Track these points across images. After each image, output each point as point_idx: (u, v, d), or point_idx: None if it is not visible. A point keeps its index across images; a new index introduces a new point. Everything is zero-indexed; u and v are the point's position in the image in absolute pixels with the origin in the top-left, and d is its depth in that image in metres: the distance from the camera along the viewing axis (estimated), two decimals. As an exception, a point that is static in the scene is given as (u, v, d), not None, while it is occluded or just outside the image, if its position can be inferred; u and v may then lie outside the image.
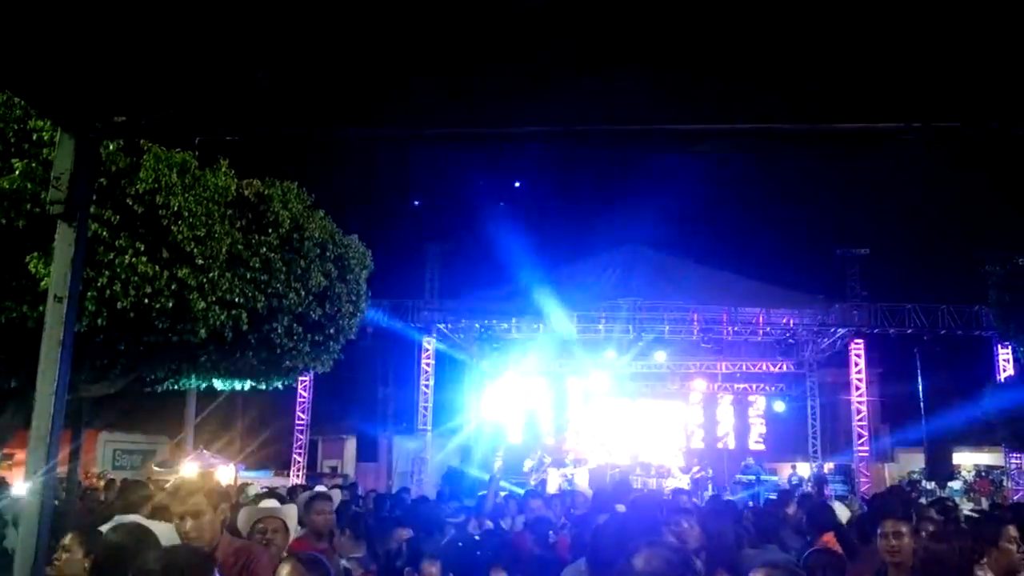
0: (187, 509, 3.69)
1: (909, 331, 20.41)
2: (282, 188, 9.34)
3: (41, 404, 2.45)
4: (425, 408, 21.72)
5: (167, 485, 8.36)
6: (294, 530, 4.84)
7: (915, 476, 22.99)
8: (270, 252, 8.78)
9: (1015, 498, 19.02)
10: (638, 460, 22.86)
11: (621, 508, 6.61)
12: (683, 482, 20.02)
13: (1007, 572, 4.40)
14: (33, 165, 7.06)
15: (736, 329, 22.83)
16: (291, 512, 4.91)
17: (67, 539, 3.74)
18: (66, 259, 2.42)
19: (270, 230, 8.92)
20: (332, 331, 10.50)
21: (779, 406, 25.46)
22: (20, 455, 20.19)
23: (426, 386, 21.78)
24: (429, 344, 21.80)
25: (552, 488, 20.95)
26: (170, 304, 7.80)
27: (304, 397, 21.09)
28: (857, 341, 21.10)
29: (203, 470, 19.58)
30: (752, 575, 2.61)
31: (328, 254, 9.89)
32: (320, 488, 8.29)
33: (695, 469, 22.22)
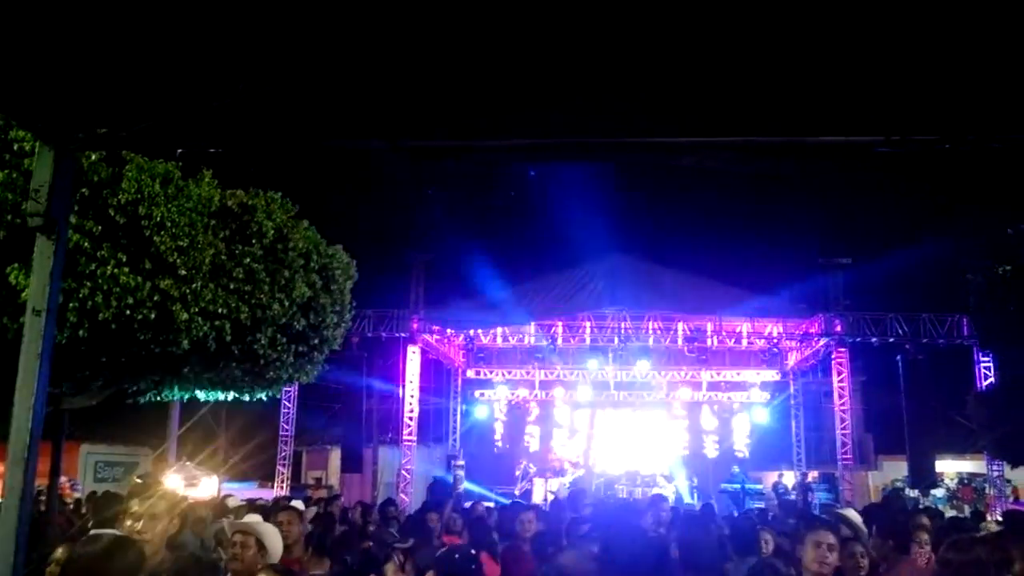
0: (143, 510, 3.65)
1: (891, 340, 20.56)
2: (266, 198, 9.31)
3: (19, 418, 2.43)
4: (410, 418, 21.64)
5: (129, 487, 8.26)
6: (273, 547, 4.69)
7: (898, 484, 23.10)
8: (254, 263, 8.74)
9: (997, 505, 19.16)
10: (624, 469, 22.88)
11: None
12: (668, 491, 20.03)
13: None
14: (14, 176, 7.01)
15: (720, 338, 22.96)
16: (268, 530, 4.78)
17: (59, 552, 3.69)
18: (45, 272, 2.40)
19: (254, 240, 8.87)
20: (316, 342, 10.45)
21: (763, 415, 25.56)
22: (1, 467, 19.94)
23: (411, 396, 21.71)
24: (414, 354, 21.75)
25: (538, 498, 20.95)
26: (152, 315, 7.75)
27: (288, 408, 20.98)
28: (840, 350, 21.21)
29: (164, 483, 19.42)
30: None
31: (312, 264, 9.85)
32: (295, 502, 8.24)
33: (690, 478, 22.25)
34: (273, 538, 4.65)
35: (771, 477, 24.30)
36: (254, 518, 4.98)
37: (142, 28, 2.35)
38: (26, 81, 2.31)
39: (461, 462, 23.42)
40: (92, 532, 3.21)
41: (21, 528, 2.40)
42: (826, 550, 4.31)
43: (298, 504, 7.76)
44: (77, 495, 16.89)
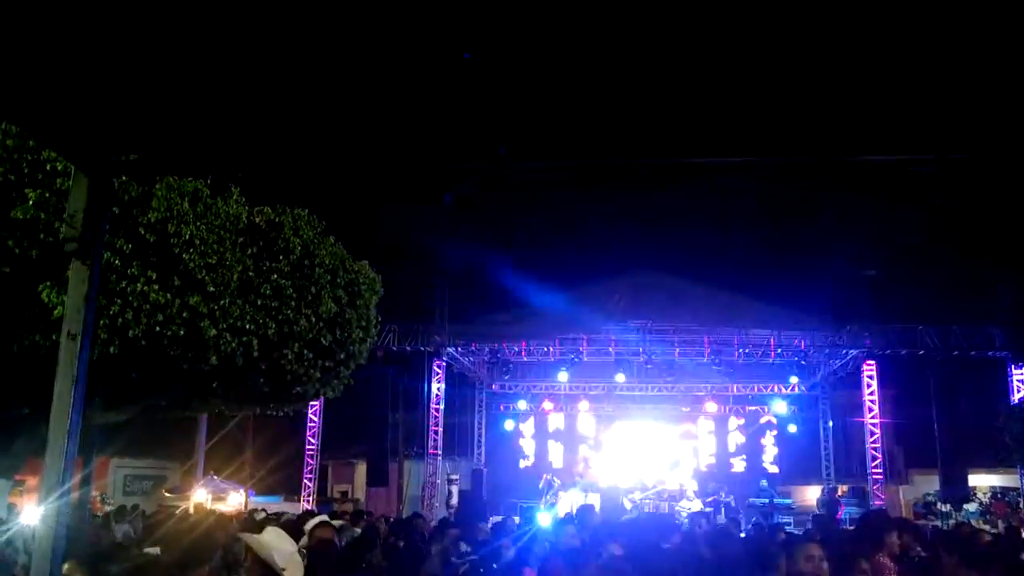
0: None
1: (921, 352, 20.28)
2: (293, 215, 9.39)
3: (55, 440, 2.46)
4: (436, 432, 21.66)
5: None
6: (286, 566, 4.48)
7: (930, 498, 22.74)
8: (281, 279, 8.81)
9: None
10: (649, 484, 22.71)
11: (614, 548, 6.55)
12: (695, 506, 19.85)
13: None
14: (46, 195, 7.13)
15: (747, 351, 22.75)
16: (278, 549, 4.58)
17: (66, 567, 3.70)
18: (80, 296, 2.44)
19: (281, 257, 8.96)
20: (342, 357, 10.51)
21: (791, 428, 25.29)
22: (31, 481, 20.20)
23: (436, 410, 21.73)
24: (439, 368, 21.79)
25: (563, 512, 20.84)
26: (182, 331, 7.83)
27: (314, 422, 21.08)
28: (869, 362, 20.97)
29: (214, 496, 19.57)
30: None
31: (339, 280, 9.92)
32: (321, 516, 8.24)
33: (716, 492, 22.03)
34: (284, 558, 4.48)
35: (800, 491, 24.02)
36: (272, 534, 4.81)
37: (176, 54, 2.39)
38: (61, 107, 2.36)
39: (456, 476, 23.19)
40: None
41: (57, 549, 2.43)
42: (818, 561, 4.46)
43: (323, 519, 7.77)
44: (108, 508, 17.06)
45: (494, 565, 6.05)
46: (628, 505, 20.35)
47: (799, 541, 4.83)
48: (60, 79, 2.32)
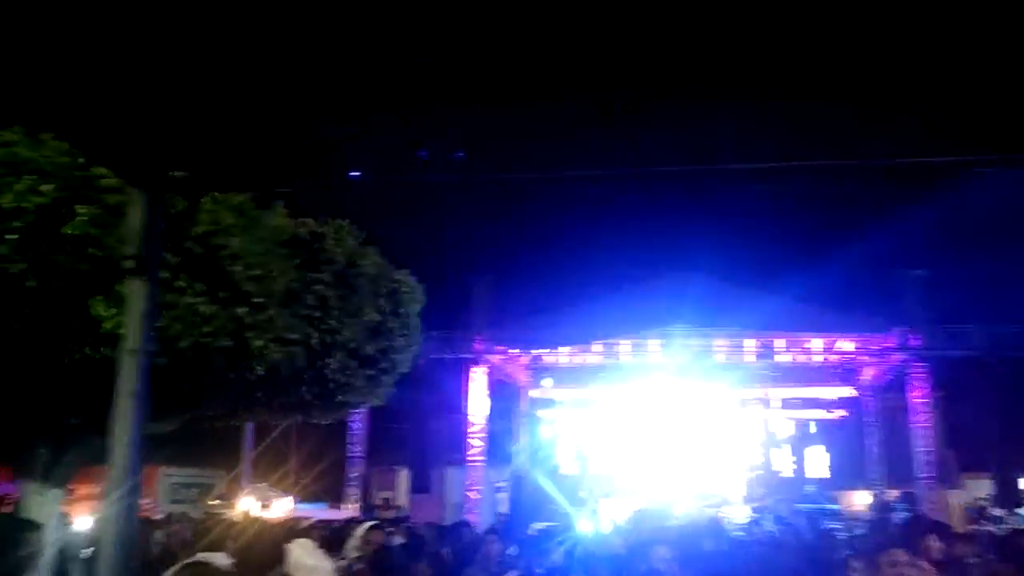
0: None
1: (973, 353, 19.83)
2: (335, 226, 9.46)
3: (118, 454, 2.50)
4: (477, 439, 21.68)
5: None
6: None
7: (982, 502, 22.21)
8: (325, 289, 8.88)
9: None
10: (693, 489, 22.48)
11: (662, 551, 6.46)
12: (740, 512, 19.60)
13: None
14: (97, 211, 7.25)
15: (792, 354, 22.44)
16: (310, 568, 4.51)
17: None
18: (138, 313, 2.49)
19: (324, 268, 9.02)
20: (385, 365, 10.55)
21: (839, 433, 24.87)
22: (82, 490, 20.61)
23: (477, 417, 21.76)
24: (478, 375, 21.80)
25: (605, 518, 20.69)
26: (228, 343, 7.92)
27: (357, 430, 21.24)
28: (918, 364, 20.54)
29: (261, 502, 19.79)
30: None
31: (381, 289, 9.96)
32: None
33: (762, 498, 21.73)
34: (304, 572, 4.40)
35: (847, 496, 23.59)
36: (299, 548, 4.65)
37: (226, 74, 2.43)
38: (116, 127, 2.40)
39: (504, 482, 23.16)
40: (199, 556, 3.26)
41: (121, 560, 2.46)
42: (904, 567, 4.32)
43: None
44: (158, 517, 17.34)
45: (539, 572, 6.03)
46: (673, 511, 20.14)
47: (873, 548, 4.68)
48: (116, 99, 2.36)
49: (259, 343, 8.12)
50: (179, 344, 7.64)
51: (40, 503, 8.90)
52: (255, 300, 8.04)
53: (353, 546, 7.26)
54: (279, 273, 8.27)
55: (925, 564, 4.40)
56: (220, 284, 7.85)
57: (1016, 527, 17.67)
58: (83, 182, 7.47)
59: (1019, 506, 20.42)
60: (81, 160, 7.50)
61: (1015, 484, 20.16)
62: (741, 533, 9.66)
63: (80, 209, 7.22)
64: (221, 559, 3.62)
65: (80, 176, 7.48)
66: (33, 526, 5.91)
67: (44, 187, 7.27)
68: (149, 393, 2.47)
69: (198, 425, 11.48)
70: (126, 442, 2.47)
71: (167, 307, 7.61)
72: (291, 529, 10.86)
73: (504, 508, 21.29)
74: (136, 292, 2.46)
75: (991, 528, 18.15)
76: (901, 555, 4.39)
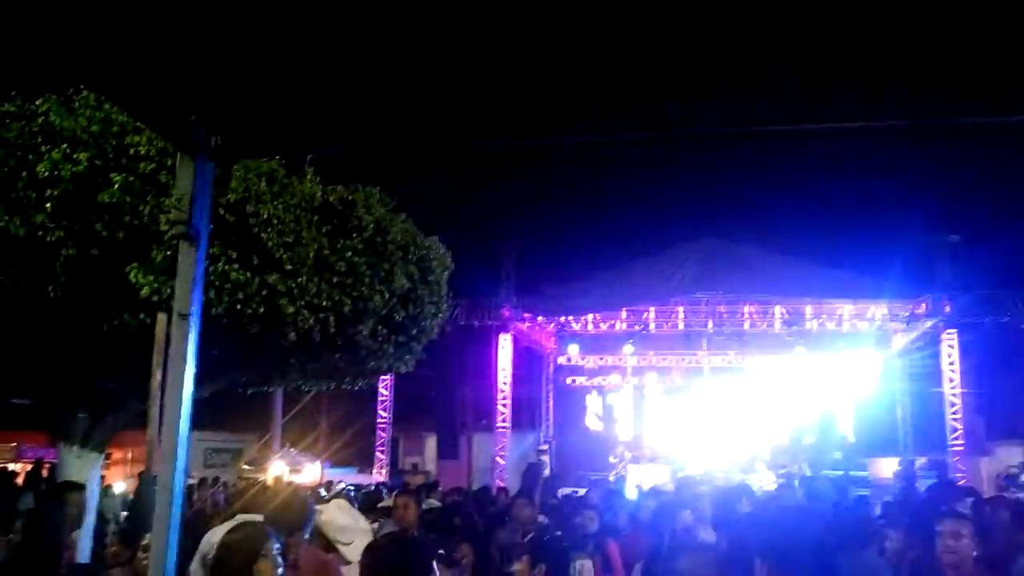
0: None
1: (1005, 319, 19.56)
2: (365, 193, 9.49)
3: (170, 416, 2.55)
4: (504, 405, 21.83)
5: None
6: (349, 537, 4.45)
7: (1013, 470, 22.03)
8: (355, 256, 8.92)
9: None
10: (720, 456, 22.52)
11: (687, 515, 6.51)
12: (767, 478, 19.61)
13: None
14: (131, 179, 7.33)
15: (821, 321, 22.28)
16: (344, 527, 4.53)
17: (146, 539, 3.82)
18: (188, 278, 2.52)
19: (354, 235, 9.06)
20: (415, 332, 10.62)
21: (867, 399, 24.73)
22: (117, 455, 21.08)
23: (504, 383, 21.88)
24: (506, 342, 21.89)
25: (631, 485, 20.82)
26: (261, 309, 8.00)
27: (385, 395, 21.45)
28: (949, 331, 20.31)
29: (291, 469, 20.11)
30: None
31: (410, 256, 10.00)
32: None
33: (789, 464, 21.72)
34: (346, 533, 4.45)
35: (876, 464, 23.51)
36: (336, 508, 4.70)
37: (272, 37, 2.42)
38: (168, 96, 2.41)
39: (544, 446, 23.60)
40: (239, 518, 3.35)
41: (173, 520, 2.52)
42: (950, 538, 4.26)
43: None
44: (191, 481, 17.70)
45: (575, 537, 6.11)
46: (701, 477, 20.20)
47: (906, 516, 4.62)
48: (164, 62, 2.38)
49: (291, 310, 8.20)
50: (213, 311, 7.74)
51: (79, 467, 9.11)
52: (287, 267, 8.11)
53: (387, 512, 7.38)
54: (310, 240, 8.32)
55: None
56: (252, 251, 7.92)
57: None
58: (117, 150, 7.55)
59: (1051, 473, 20.25)
60: (115, 128, 7.57)
61: (1047, 451, 19.99)
62: (767, 497, 9.65)
63: (115, 177, 7.30)
64: (260, 519, 3.71)
65: (114, 144, 7.55)
66: (79, 487, 6.07)
67: (79, 155, 7.36)
68: (199, 358, 2.52)
69: (231, 391, 11.66)
70: (178, 404, 2.52)
71: (200, 274, 7.69)
72: (326, 490, 11.07)
73: (547, 472, 21.48)
74: (186, 257, 2.49)
75: (1021, 495, 18.04)
76: (956, 525, 4.31)
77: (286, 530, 3.74)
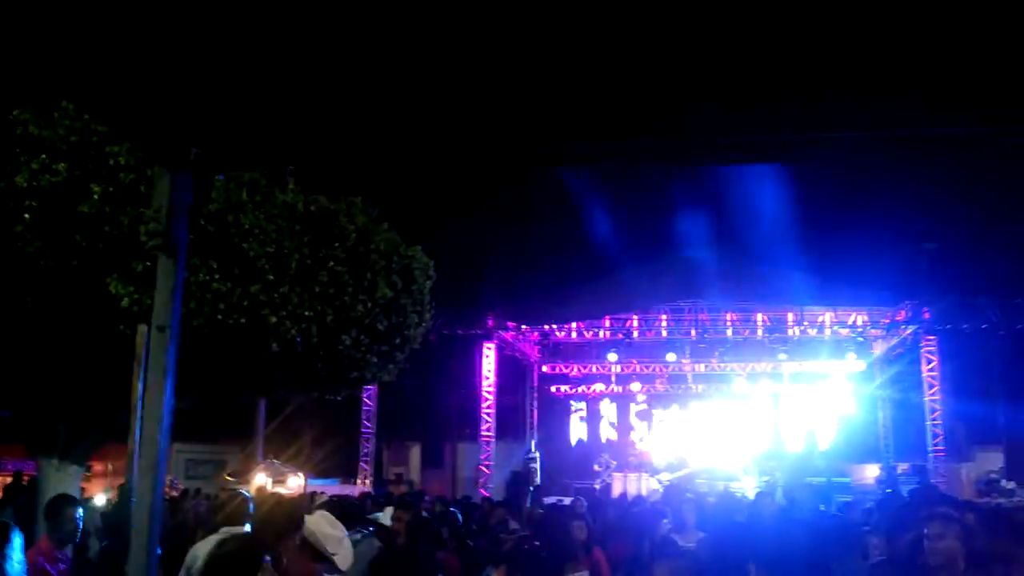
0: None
1: (984, 326, 19.77)
2: (346, 202, 9.47)
3: (148, 429, 2.54)
4: (488, 414, 21.81)
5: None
6: (335, 547, 4.43)
7: (994, 475, 22.24)
8: (337, 265, 8.91)
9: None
10: (703, 464, 22.59)
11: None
12: (750, 485, 19.68)
13: None
14: (110, 189, 7.29)
15: (802, 328, 22.43)
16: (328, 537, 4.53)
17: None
18: (167, 290, 2.51)
19: (336, 244, 9.04)
20: (398, 341, 10.60)
21: (848, 407, 24.89)
22: (98, 467, 20.86)
23: (488, 393, 21.86)
24: (489, 351, 21.89)
25: (616, 493, 20.86)
26: (243, 320, 7.97)
27: (369, 405, 21.38)
28: (929, 337, 20.52)
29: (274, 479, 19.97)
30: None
31: (393, 266, 9.99)
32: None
33: (772, 472, 21.82)
34: (333, 543, 4.43)
35: (858, 470, 23.65)
36: (322, 518, 4.68)
37: (250, 50, 2.42)
38: (145, 108, 2.40)
39: (535, 453, 23.62)
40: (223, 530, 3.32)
41: (152, 531, 2.51)
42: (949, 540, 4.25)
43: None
44: (174, 494, 17.58)
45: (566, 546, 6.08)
46: (685, 483, 20.26)
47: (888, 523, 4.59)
48: (140, 76, 2.37)
49: (273, 320, 8.17)
50: (194, 322, 7.70)
51: (59, 480, 9.02)
52: (269, 277, 8.08)
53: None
54: (292, 250, 8.30)
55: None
56: (234, 261, 7.89)
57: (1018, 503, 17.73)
58: (96, 160, 7.50)
59: (1030, 478, 20.45)
60: (94, 139, 7.53)
61: (1027, 457, 20.18)
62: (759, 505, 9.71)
63: (95, 187, 7.26)
64: (245, 531, 3.69)
65: (94, 154, 7.51)
66: (75, 501, 6.02)
67: (58, 165, 7.31)
68: (177, 369, 2.50)
69: (213, 402, 11.58)
70: (157, 417, 2.51)
71: (182, 285, 7.65)
72: (309, 502, 11.00)
73: (538, 479, 21.56)
74: (165, 269, 2.48)
75: (1001, 501, 18.21)
76: (950, 528, 4.26)
77: (277, 535, 3.71)
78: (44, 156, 7.31)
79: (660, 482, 19.85)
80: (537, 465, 23.45)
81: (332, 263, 8.86)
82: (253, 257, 7.89)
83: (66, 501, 5.87)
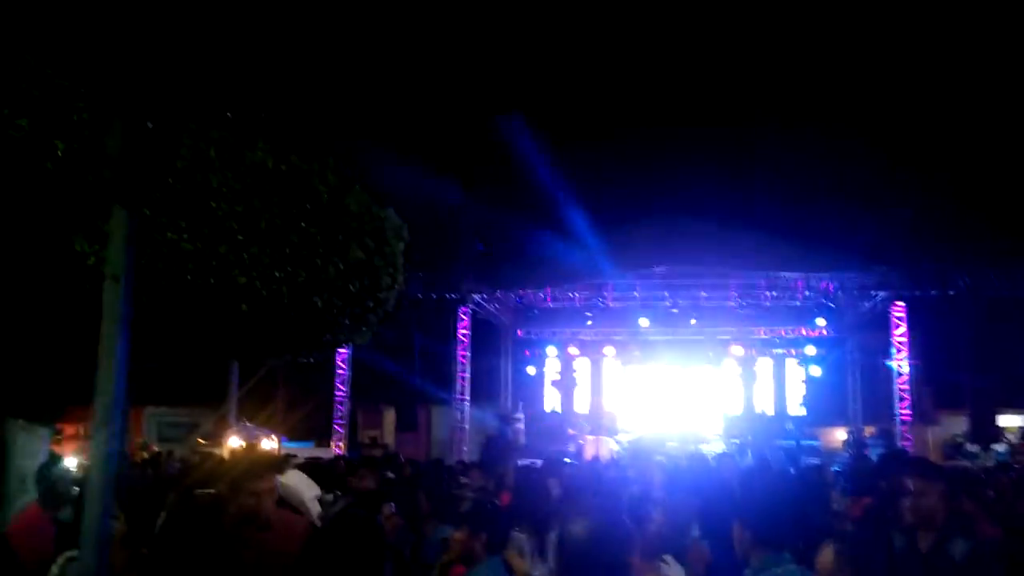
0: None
1: (952, 292, 20.05)
2: (319, 162, 9.34)
3: (104, 382, 2.49)
4: (463, 378, 21.87)
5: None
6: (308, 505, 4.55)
7: (959, 439, 22.72)
8: (309, 226, 8.80)
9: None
10: (675, 427, 22.87)
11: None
12: (720, 448, 19.96)
13: None
14: (75, 146, 7.12)
15: (774, 294, 22.63)
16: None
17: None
18: (121, 238, 2.45)
19: (308, 204, 8.93)
20: (371, 304, 10.52)
21: (818, 371, 25.26)
22: (69, 431, 20.72)
23: (463, 356, 21.91)
24: (465, 315, 21.90)
25: (588, 456, 21.07)
26: (212, 280, 7.87)
27: (343, 369, 21.34)
28: (899, 303, 20.79)
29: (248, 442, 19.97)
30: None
31: (366, 227, 9.89)
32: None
33: (743, 435, 22.15)
34: (308, 501, 4.55)
35: (827, 433, 24.07)
36: (296, 477, 4.80)
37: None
38: (96, 50, 2.32)
39: (520, 415, 23.79)
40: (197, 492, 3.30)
41: (107, 490, 2.48)
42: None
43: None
44: (146, 455, 17.54)
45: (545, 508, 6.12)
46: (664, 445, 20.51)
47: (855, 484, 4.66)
48: (95, 18, 2.29)
49: (244, 281, 8.08)
50: (162, 282, 7.59)
51: (28, 442, 8.92)
52: (238, 237, 7.97)
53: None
54: (262, 209, 8.18)
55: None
56: (203, 221, 7.76)
57: (989, 464, 18.15)
58: (59, 117, 7.32)
59: (994, 442, 20.91)
60: (59, 95, 7.33)
61: (991, 421, 20.61)
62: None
63: (59, 144, 7.09)
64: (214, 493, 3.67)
65: (57, 112, 7.32)
66: (60, 459, 5.97)
67: (20, 121, 7.12)
68: (132, 320, 2.45)
69: (184, 364, 11.49)
70: (112, 371, 2.46)
71: (149, 244, 7.54)
72: (283, 461, 11.00)
73: (522, 440, 21.72)
74: (119, 218, 2.42)
75: (966, 464, 18.62)
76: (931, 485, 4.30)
77: (258, 474, 3.66)
78: (5, 110, 7.13)
79: (619, 442, 20.06)
80: (522, 426, 23.65)
81: (303, 224, 8.75)
82: (222, 217, 7.77)
83: (52, 461, 5.83)
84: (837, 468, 13.59)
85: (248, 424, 21.39)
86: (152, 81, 2.57)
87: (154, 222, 7.43)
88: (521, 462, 16.25)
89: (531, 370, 26.42)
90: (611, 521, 2.53)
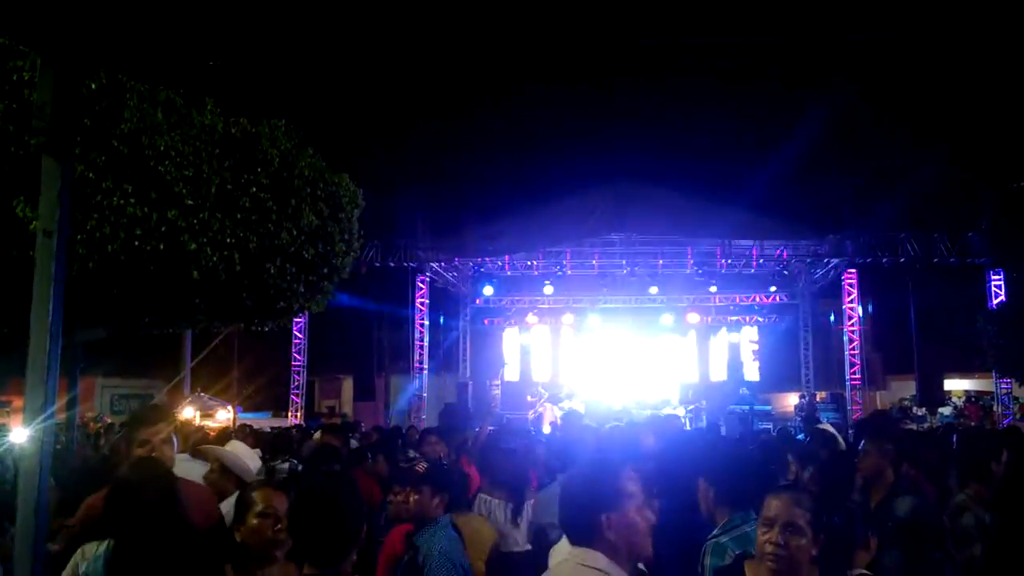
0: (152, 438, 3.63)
1: (902, 260, 20.45)
2: (270, 126, 9.15)
3: (36, 342, 2.40)
4: (421, 347, 21.81)
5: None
6: (250, 477, 4.55)
7: (906, 403, 23.32)
8: (260, 191, 8.65)
9: (1004, 423, 19.33)
10: (633, 393, 23.11)
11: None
12: (678, 414, 20.24)
13: None
14: (14, 106, 6.89)
15: (730, 262, 22.87)
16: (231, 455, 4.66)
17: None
18: (53, 192, 2.34)
19: (259, 169, 8.76)
20: (326, 271, 10.42)
21: (772, 338, 25.69)
22: (18, 402, 20.29)
23: (421, 325, 21.82)
24: (423, 283, 21.79)
25: (547, 423, 21.22)
26: (161, 246, 7.71)
27: (300, 338, 21.14)
28: (850, 271, 21.17)
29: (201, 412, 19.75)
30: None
31: (319, 192, 9.75)
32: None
33: (698, 400, 22.47)
34: (248, 473, 4.53)
35: (779, 399, 24.54)
36: (238, 447, 4.77)
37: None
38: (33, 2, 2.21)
39: (497, 381, 23.92)
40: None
41: (44, 457, 2.39)
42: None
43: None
44: (99, 427, 17.22)
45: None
46: (610, 411, 20.71)
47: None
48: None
49: (193, 247, 7.93)
50: (109, 247, 7.42)
51: (-28, 412, 8.70)
52: (187, 202, 7.80)
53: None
54: (211, 174, 8.02)
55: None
56: (150, 185, 7.58)
57: (936, 425, 18.68)
58: (-2, 75, 7.06)
59: (941, 405, 21.49)
60: (-6, 52, 7.07)
61: (938, 385, 21.15)
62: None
63: (-4, 104, 6.86)
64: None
65: (-7, 69, 7.06)
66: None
67: (-46, 80, 6.87)
68: (66, 277, 2.35)
69: (135, 334, 11.26)
70: (46, 331, 2.37)
71: (95, 209, 7.34)
72: (229, 433, 10.87)
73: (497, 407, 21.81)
74: (50, 171, 2.31)
75: (913, 426, 19.13)
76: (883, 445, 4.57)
77: (147, 422, 3.61)
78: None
79: (562, 409, 20.23)
80: (499, 392, 23.81)
81: (254, 188, 8.60)
82: (170, 181, 7.60)
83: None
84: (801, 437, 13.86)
85: (203, 395, 21.14)
86: (87, 32, 2.46)
87: (99, 185, 7.24)
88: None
89: (491, 339, 26.48)
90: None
